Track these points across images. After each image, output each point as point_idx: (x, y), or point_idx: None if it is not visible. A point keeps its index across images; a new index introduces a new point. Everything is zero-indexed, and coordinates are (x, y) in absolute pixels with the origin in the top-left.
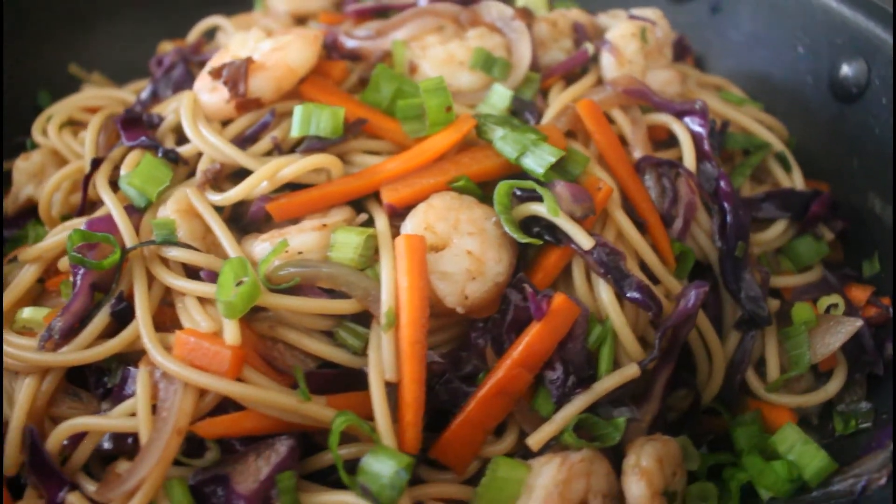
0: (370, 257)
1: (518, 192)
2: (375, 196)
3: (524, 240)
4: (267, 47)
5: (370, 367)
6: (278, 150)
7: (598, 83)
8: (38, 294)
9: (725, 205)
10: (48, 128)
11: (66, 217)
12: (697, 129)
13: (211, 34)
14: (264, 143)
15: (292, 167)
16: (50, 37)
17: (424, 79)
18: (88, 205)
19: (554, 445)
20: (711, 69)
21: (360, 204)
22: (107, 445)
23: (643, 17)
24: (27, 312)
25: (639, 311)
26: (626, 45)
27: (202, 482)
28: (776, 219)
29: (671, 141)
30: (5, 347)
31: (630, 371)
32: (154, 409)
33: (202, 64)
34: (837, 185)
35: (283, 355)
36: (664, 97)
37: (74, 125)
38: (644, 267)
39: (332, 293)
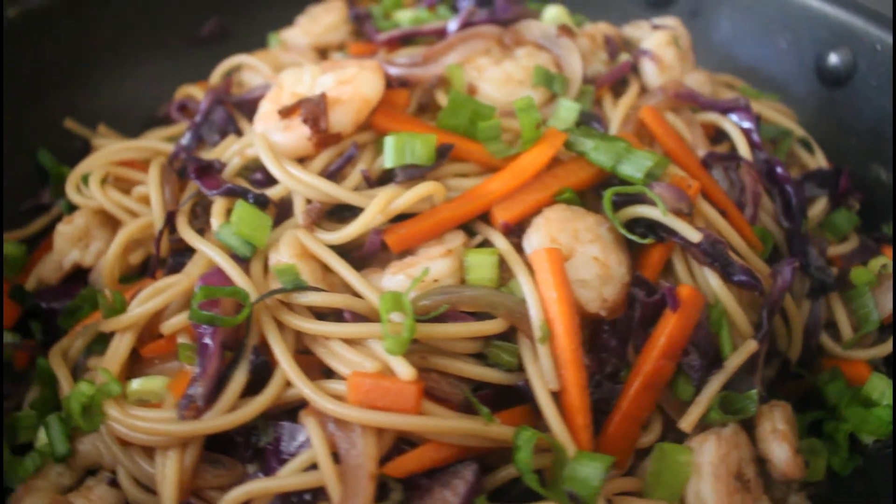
0: (499, 276)
1: (614, 198)
2: (481, 217)
3: (644, 241)
4: (330, 81)
5: (532, 379)
6: (368, 182)
7: (642, 90)
8: (129, 364)
9: (788, 188)
10: (90, 187)
11: (125, 279)
12: (745, 123)
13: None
14: (355, 176)
15: (404, 198)
16: (39, 94)
17: (486, 99)
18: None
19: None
20: (698, 65)
21: (464, 226)
22: None
23: (665, 25)
24: (138, 384)
25: (740, 293)
26: (664, 52)
27: None
28: (817, 196)
29: (717, 137)
30: (139, 423)
31: (751, 346)
32: (336, 458)
33: (238, 104)
34: (838, 163)
35: (438, 384)
36: (706, 97)
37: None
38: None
39: (474, 316)
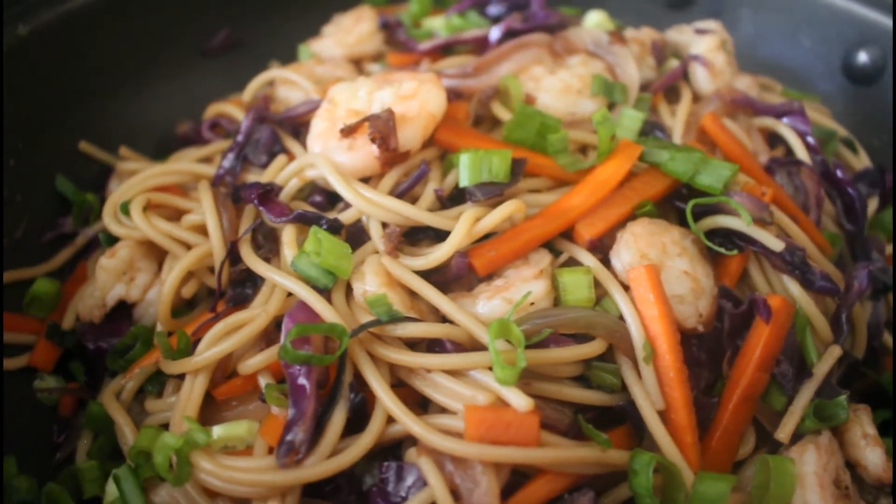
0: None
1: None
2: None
3: (730, 253)
4: (389, 97)
5: (638, 399)
6: (441, 201)
7: (695, 97)
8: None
9: (849, 190)
10: (132, 217)
11: (175, 313)
12: (801, 126)
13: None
14: (428, 196)
15: (491, 218)
16: (57, 115)
17: (544, 109)
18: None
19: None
20: None
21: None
22: None
23: (708, 28)
24: (221, 430)
25: (816, 299)
26: (714, 57)
27: None
28: (869, 196)
29: (771, 141)
30: (236, 475)
31: (836, 352)
32: (455, 497)
33: (280, 122)
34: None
35: (544, 410)
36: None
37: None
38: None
39: (573, 338)
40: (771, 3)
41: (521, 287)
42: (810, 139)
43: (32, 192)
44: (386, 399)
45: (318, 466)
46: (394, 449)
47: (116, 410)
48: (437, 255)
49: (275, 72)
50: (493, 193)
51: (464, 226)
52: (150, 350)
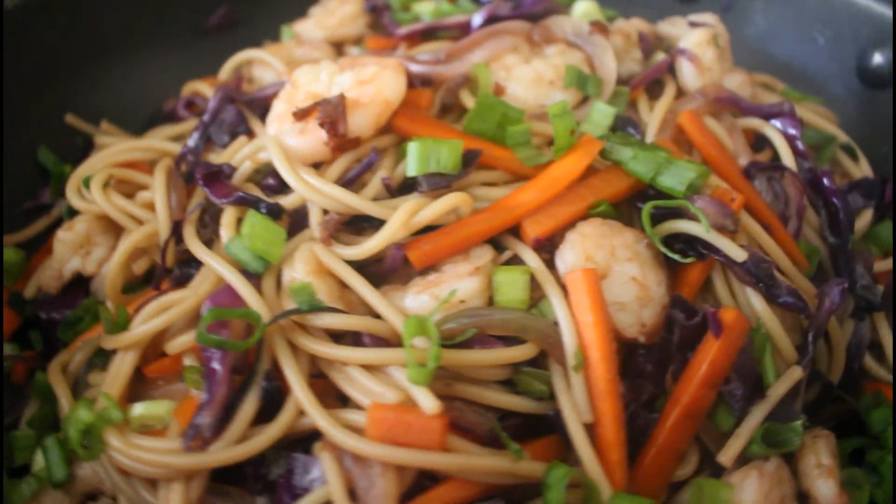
0: (529, 296)
1: (651, 211)
2: (510, 230)
3: (685, 260)
4: (348, 81)
5: (564, 411)
6: (389, 190)
7: (678, 93)
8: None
9: (835, 200)
10: (91, 191)
11: (128, 289)
12: (790, 130)
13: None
14: (374, 185)
15: (430, 210)
16: (41, 86)
17: (514, 100)
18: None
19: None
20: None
21: (492, 240)
22: None
23: (704, 23)
24: (141, 409)
25: (783, 314)
26: (703, 52)
27: None
28: (862, 208)
29: (757, 144)
30: (142, 454)
31: (796, 374)
32: (352, 496)
33: (249, 103)
34: (877, 170)
35: (464, 413)
36: (750, 101)
37: (113, 183)
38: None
39: (503, 339)
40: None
41: (454, 283)
42: (799, 143)
43: (14, 161)
44: (297, 390)
45: (224, 452)
46: (308, 441)
47: (57, 381)
48: (368, 245)
49: (249, 52)
50: (439, 185)
51: (400, 217)
52: (98, 323)
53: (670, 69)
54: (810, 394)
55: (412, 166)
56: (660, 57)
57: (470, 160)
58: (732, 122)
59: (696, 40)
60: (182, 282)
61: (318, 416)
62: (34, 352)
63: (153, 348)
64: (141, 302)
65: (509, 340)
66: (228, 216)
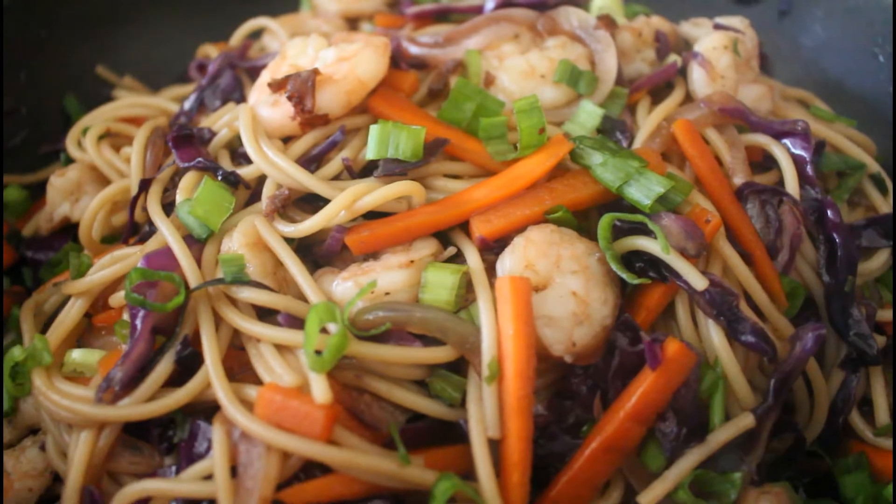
0: (462, 296)
1: (617, 223)
2: (461, 226)
3: (635, 280)
4: (331, 56)
5: (471, 423)
6: (350, 172)
7: (686, 99)
8: (84, 330)
9: (835, 236)
10: (85, 141)
11: (106, 240)
12: (799, 152)
13: (254, 34)
14: (334, 164)
15: (374, 195)
16: (76, 37)
17: (502, 92)
18: (133, 228)
19: (664, 502)
20: (779, 77)
21: (443, 234)
22: None
23: (730, 26)
24: (77, 355)
25: (749, 354)
26: (718, 57)
27: None
28: (878, 247)
29: (765, 163)
30: (58, 398)
31: (745, 421)
32: (233, 471)
33: (250, 70)
34: None
35: (370, 408)
36: (760, 115)
37: (111, 137)
38: (750, 304)
39: (423, 339)
40: (848, 7)
41: (382, 274)
42: (809, 168)
43: (39, 106)
44: (207, 358)
45: (130, 408)
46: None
47: (26, 317)
48: (306, 224)
49: (259, 20)
50: (393, 171)
51: (342, 199)
52: None
53: (684, 74)
54: (783, 443)
55: (371, 149)
56: (672, 59)
57: (434, 149)
58: (736, 136)
59: (710, 44)
60: (147, 238)
61: (217, 387)
62: (23, 288)
63: (103, 300)
64: (106, 253)
65: (431, 340)
66: (187, 180)
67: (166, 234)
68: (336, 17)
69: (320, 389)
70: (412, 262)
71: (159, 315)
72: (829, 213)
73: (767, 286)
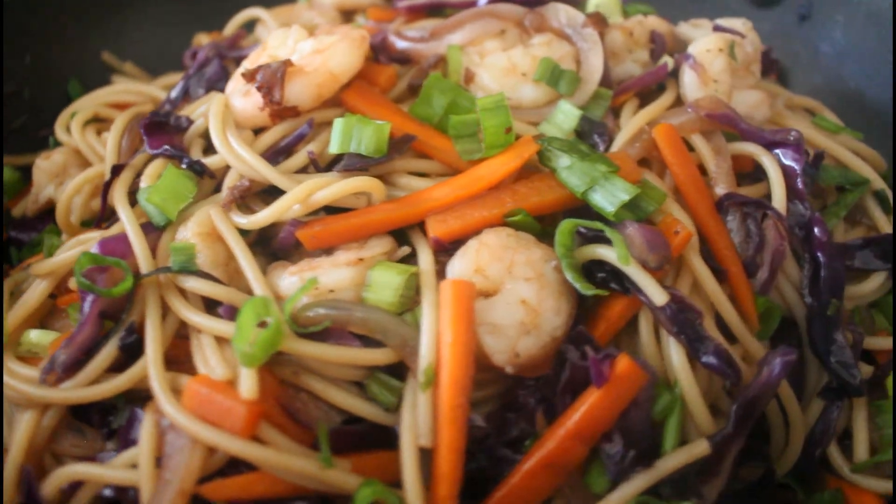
0: (411, 298)
1: (582, 230)
2: (420, 226)
3: (590, 291)
4: (308, 48)
5: (403, 430)
6: (315, 165)
7: (677, 103)
8: (49, 311)
9: (820, 256)
10: (71, 125)
11: (86, 223)
12: (790, 163)
13: (251, 26)
14: (299, 157)
15: (329, 190)
16: (83, 23)
17: (482, 89)
18: (109, 213)
19: None
20: (796, 85)
21: (402, 233)
22: (108, 493)
23: (730, 28)
24: (34, 335)
25: (712, 375)
26: (711, 60)
27: None
28: (874, 270)
29: (756, 174)
30: (6, 378)
31: (699, 449)
32: (159, 462)
33: (238, 60)
34: None
35: (306, 406)
36: (752, 123)
37: (101, 122)
38: (720, 323)
39: (365, 339)
40: (870, 12)
41: (329, 271)
42: (799, 181)
43: (42, 90)
44: (148, 346)
45: (70, 392)
46: None
47: (6, 296)
48: (259, 216)
49: (252, 11)
50: (353, 166)
51: (296, 192)
52: None
53: (676, 76)
54: (752, 473)
55: (334, 143)
56: (664, 61)
57: (399, 146)
58: (723, 143)
59: (704, 47)
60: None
61: (152, 375)
62: (10, 266)
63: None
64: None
65: (374, 342)
66: (153, 167)
67: (124, 219)
68: (331, 9)
69: (247, 385)
70: (361, 259)
71: (108, 300)
72: (815, 230)
73: (740, 305)
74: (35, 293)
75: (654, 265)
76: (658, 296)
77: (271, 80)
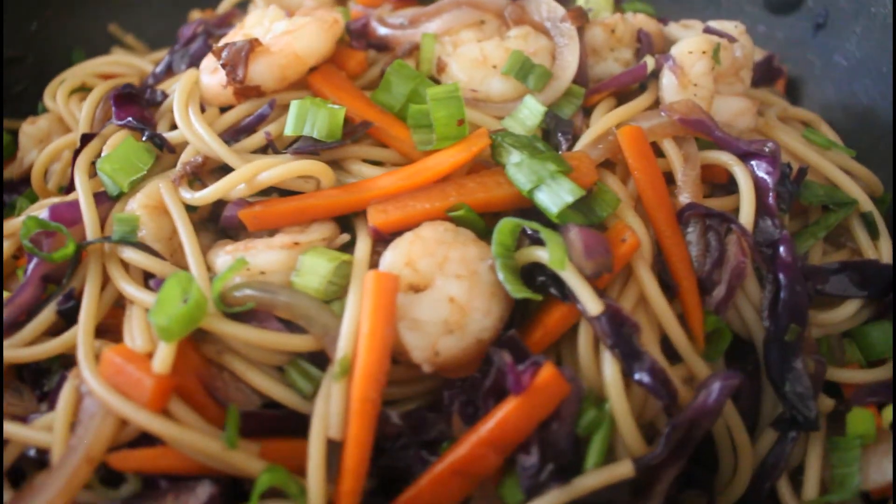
0: (342, 286)
1: (529, 231)
2: (365, 214)
3: (519, 294)
4: (280, 29)
5: (314, 419)
6: (272, 147)
7: (655, 105)
8: (12, 271)
9: (781, 277)
10: (57, 92)
11: (63, 189)
12: (763, 175)
13: (246, 6)
14: (257, 137)
15: (274, 171)
16: None
17: (452, 79)
18: None
19: None
20: (807, 95)
21: (348, 221)
22: (32, 454)
23: (721, 31)
24: None
25: (649, 394)
26: (692, 63)
27: None
28: (849, 297)
29: (730, 186)
30: None
31: (621, 470)
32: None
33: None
34: None
35: (227, 386)
36: (730, 132)
37: (89, 91)
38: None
39: (291, 325)
40: (887, 24)
41: (262, 252)
42: (771, 196)
43: (46, 56)
44: (82, 311)
45: (7, 351)
46: None
47: None
48: (203, 193)
49: None
50: (308, 150)
51: (242, 171)
52: None
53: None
54: (694, 500)
55: (289, 125)
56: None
57: (353, 132)
58: (694, 151)
59: (686, 48)
60: None
61: (80, 340)
62: None
63: None
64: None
65: (299, 329)
66: (114, 138)
67: (78, 187)
68: None
69: (160, 358)
70: (297, 244)
71: (52, 265)
72: (781, 249)
73: (689, 322)
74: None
75: (590, 273)
76: (592, 305)
77: (235, 58)
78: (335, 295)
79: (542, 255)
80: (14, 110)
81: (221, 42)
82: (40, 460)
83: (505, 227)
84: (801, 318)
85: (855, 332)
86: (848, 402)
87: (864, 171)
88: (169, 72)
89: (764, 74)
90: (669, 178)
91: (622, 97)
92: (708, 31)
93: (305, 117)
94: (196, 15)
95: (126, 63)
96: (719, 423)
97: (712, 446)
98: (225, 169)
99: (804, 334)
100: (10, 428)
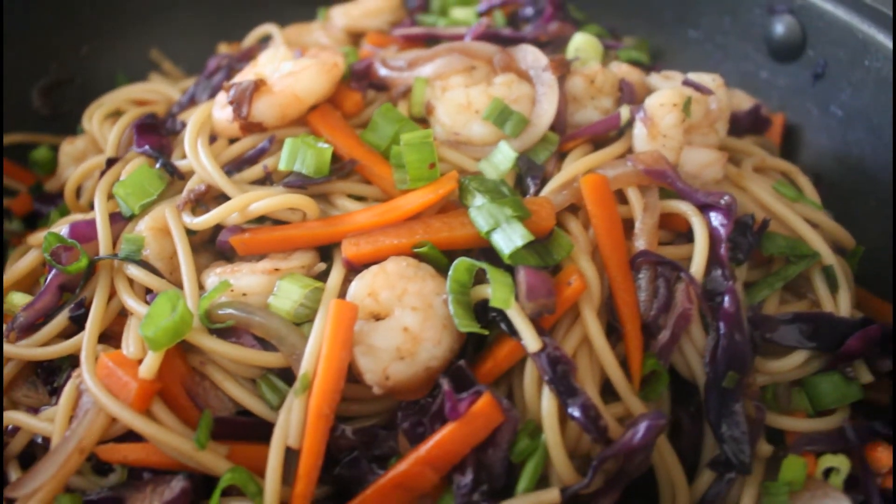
0: (314, 310)
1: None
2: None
3: (466, 328)
4: (286, 69)
5: (276, 428)
6: (269, 179)
7: (627, 154)
8: (36, 279)
9: (721, 325)
10: (93, 116)
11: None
12: (717, 226)
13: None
14: (256, 169)
15: (263, 203)
16: (136, 22)
17: (438, 122)
18: None
19: None
20: (804, 144)
21: (329, 250)
22: (40, 441)
23: (699, 84)
24: (17, 298)
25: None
26: (662, 115)
27: (98, 501)
28: (795, 348)
29: (691, 234)
30: None
31: (548, 496)
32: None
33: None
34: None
35: (207, 393)
36: (697, 182)
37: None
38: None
39: (265, 343)
40: (879, 78)
41: (246, 276)
42: (722, 247)
43: (92, 80)
44: (89, 318)
45: (21, 349)
46: None
47: (10, 260)
48: (201, 219)
49: (265, 27)
50: (296, 184)
51: (236, 202)
52: None
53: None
54: None
55: (283, 161)
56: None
57: (339, 169)
58: (655, 200)
59: (658, 101)
60: None
61: (84, 343)
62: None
63: None
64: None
65: (271, 345)
66: (133, 163)
67: (97, 206)
68: (340, 31)
69: (146, 365)
70: (277, 269)
71: (68, 276)
72: (725, 299)
73: (629, 363)
74: (25, 261)
75: (530, 312)
76: (532, 342)
77: (241, 97)
78: (306, 318)
79: (489, 293)
80: (60, 128)
81: (232, 80)
82: (45, 447)
83: (460, 265)
84: (740, 365)
85: (805, 382)
86: (787, 449)
87: (833, 225)
88: (192, 101)
89: (752, 124)
90: (632, 225)
91: (600, 144)
92: (686, 83)
93: (297, 154)
94: (223, 48)
95: (157, 91)
96: (659, 460)
97: (654, 483)
98: (226, 197)
99: (745, 381)
100: (21, 417)
